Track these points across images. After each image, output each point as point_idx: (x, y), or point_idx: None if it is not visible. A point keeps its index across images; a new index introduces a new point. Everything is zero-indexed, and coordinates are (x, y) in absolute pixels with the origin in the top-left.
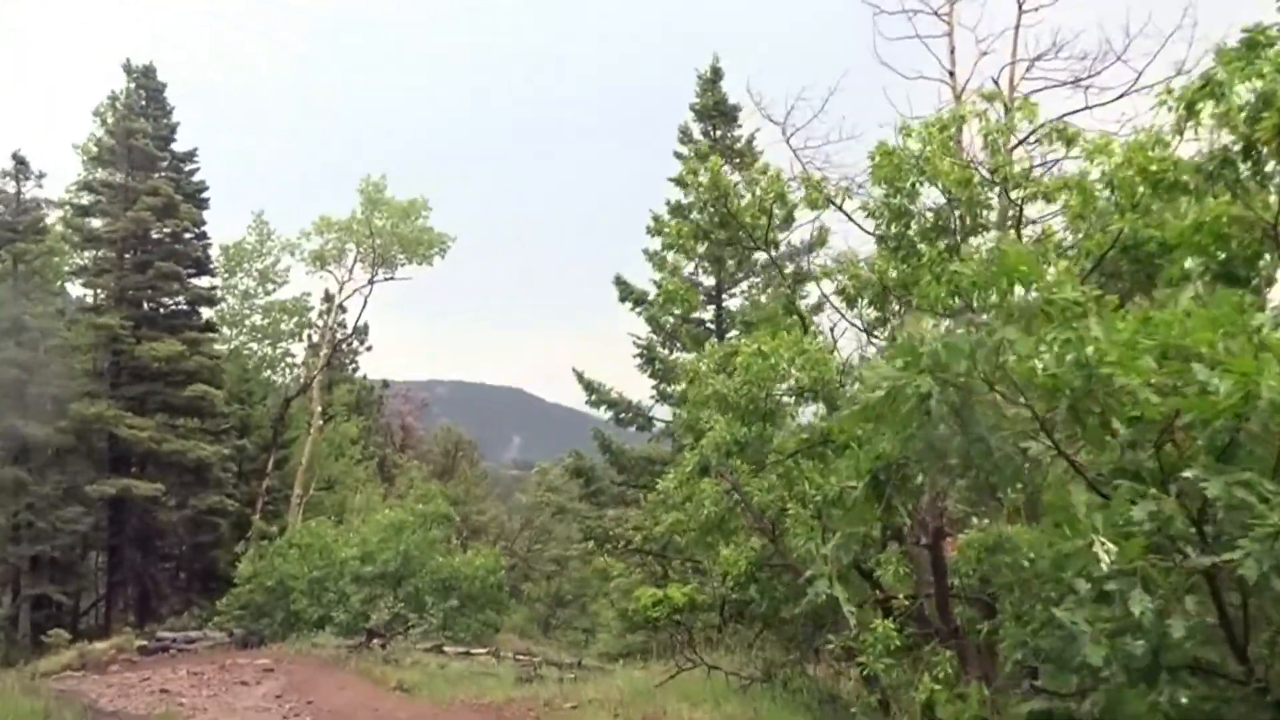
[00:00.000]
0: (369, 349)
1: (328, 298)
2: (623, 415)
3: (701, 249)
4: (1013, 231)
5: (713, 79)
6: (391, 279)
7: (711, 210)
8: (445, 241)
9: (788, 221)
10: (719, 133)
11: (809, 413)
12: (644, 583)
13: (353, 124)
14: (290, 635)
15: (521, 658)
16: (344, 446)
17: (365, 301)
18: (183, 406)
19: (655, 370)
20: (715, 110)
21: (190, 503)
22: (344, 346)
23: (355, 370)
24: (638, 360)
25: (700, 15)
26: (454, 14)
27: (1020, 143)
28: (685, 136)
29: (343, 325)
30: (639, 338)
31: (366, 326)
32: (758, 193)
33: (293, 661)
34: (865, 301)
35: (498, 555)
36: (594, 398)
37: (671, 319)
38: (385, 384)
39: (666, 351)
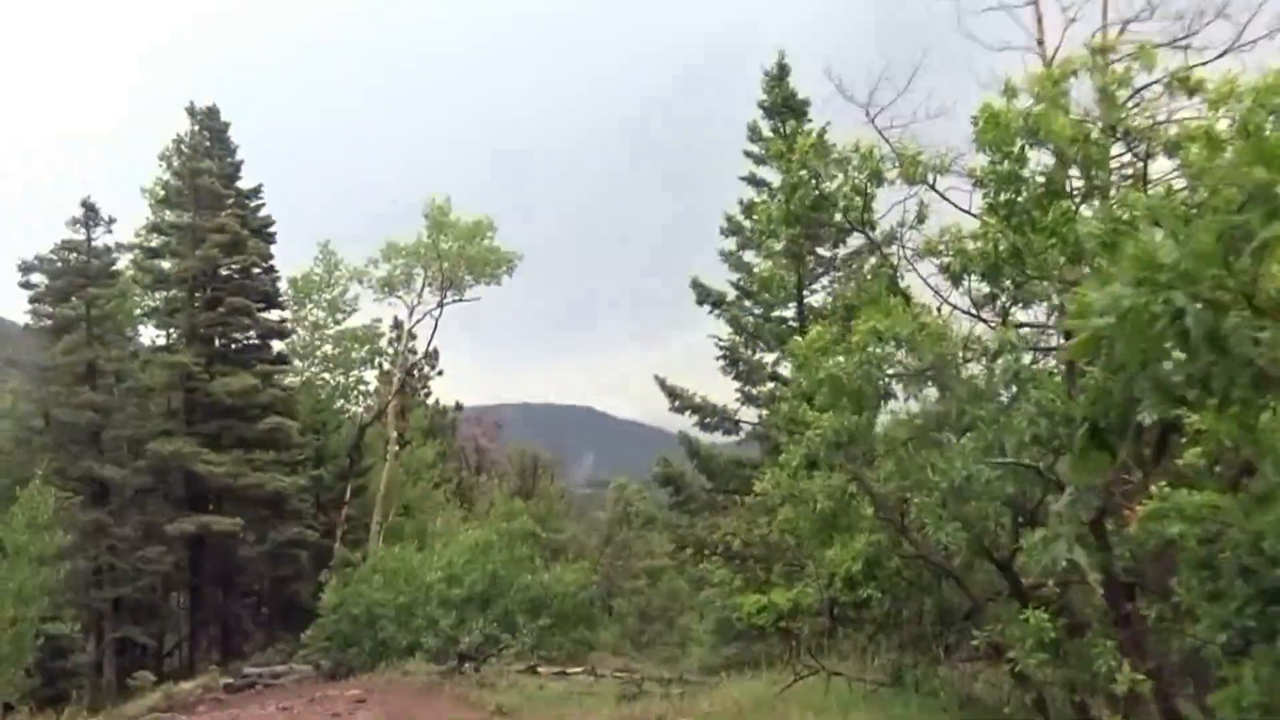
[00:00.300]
0: (440, 374)
1: (396, 324)
2: (707, 420)
3: (780, 245)
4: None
5: (779, 75)
6: (460, 300)
7: (800, 195)
8: (513, 260)
9: (867, 206)
10: (789, 128)
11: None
12: (743, 590)
13: (409, 148)
14: (379, 664)
15: (620, 674)
16: (421, 471)
17: (436, 324)
18: (258, 440)
19: (740, 372)
20: (784, 106)
21: (269, 536)
22: (415, 372)
23: (428, 396)
24: (721, 362)
25: (759, 9)
26: (506, 34)
27: (1137, 93)
28: (754, 134)
29: (413, 351)
30: (720, 339)
31: (436, 351)
32: (850, 171)
33: (384, 690)
34: (975, 277)
35: (588, 570)
36: (677, 404)
37: (753, 318)
38: (458, 406)
39: (750, 352)
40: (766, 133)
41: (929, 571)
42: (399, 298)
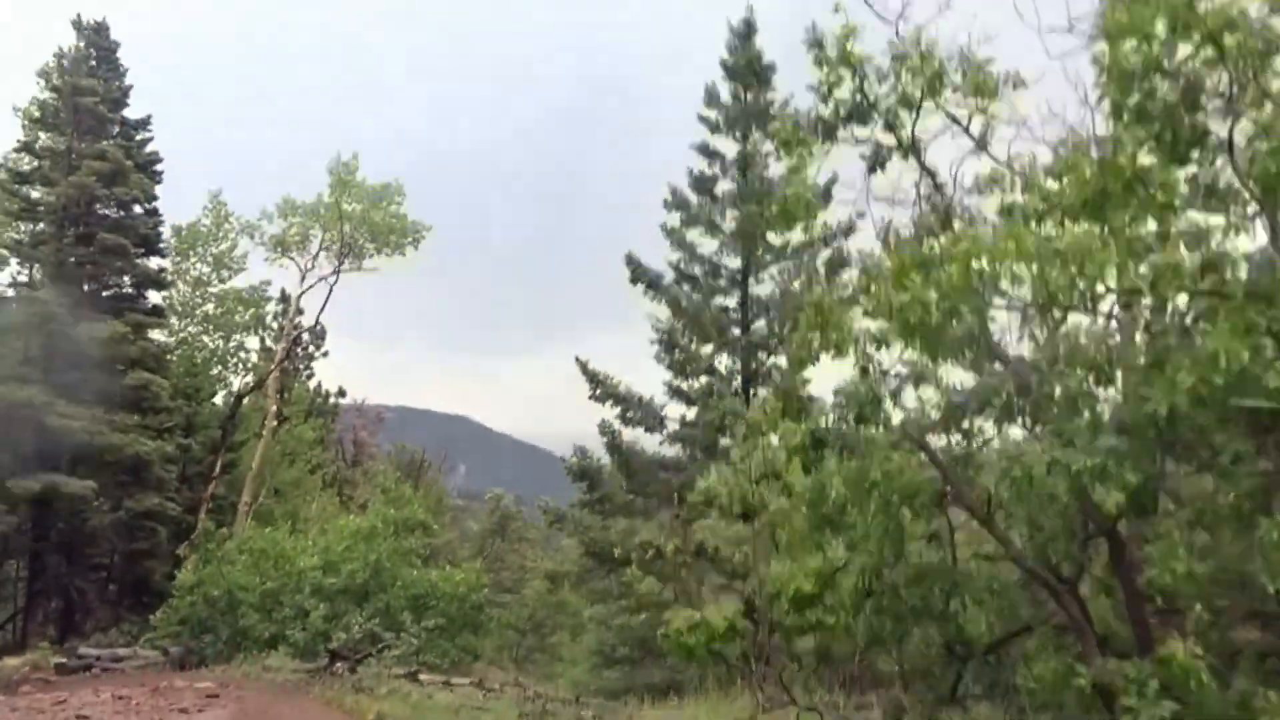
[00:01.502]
0: (325, 354)
1: (284, 298)
2: (630, 414)
3: (729, 225)
4: None
5: (745, 33)
6: (358, 270)
7: (836, 97)
8: (420, 231)
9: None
10: (750, 96)
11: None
12: (671, 604)
13: (317, 112)
14: (237, 656)
15: (515, 690)
16: (299, 452)
17: (330, 293)
18: (122, 397)
19: (674, 361)
20: (749, 69)
21: (125, 505)
22: (300, 347)
23: (309, 377)
24: (655, 348)
25: None
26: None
27: None
28: (712, 98)
29: (300, 322)
30: (659, 321)
31: (324, 330)
32: (903, 73)
33: (241, 686)
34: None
35: (479, 571)
36: (598, 392)
37: (692, 303)
38: (341, 392)
39: (687, 340)
40: (725, 98)
41: (945, 590)
42: (292, 259)
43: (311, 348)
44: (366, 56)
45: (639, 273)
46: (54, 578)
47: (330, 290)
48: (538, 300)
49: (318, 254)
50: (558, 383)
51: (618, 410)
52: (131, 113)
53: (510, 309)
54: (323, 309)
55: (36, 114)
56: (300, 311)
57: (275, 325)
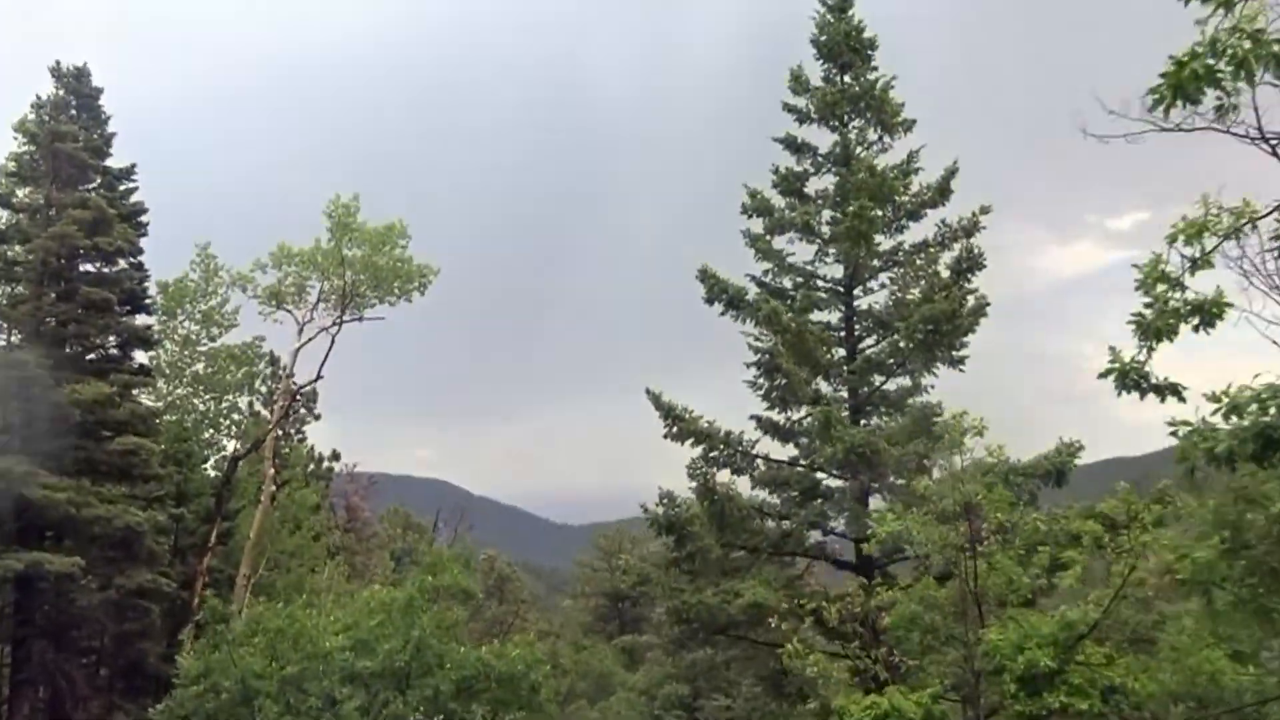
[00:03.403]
0: (318, 417)
1: (273, 360)
2: (716, 452)
3: (825, 227)
4: None
5: (841, 5)
6: (360, 319)
7: None
8: (427, 275)
9: None
10: (846, 78)
11: None
12: (849, 684)
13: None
14: None
15: None
16: (301, 517)
17: (332, 345)
18: (110, 465)
19: (774, 389)
20: (846, 44)
21: (116, 582)
22: (295, 408)
23: (301, 440)
24: (753, 372)
25: None
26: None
27: None
28: (799, 84)
29: (291, 377)
30: (757, 341)
31: (315, 393)
32: None
33: None
34: None
35: (533, 644)
36: (674, 429)
37: (788, 319)
38: (335, 455)
39: (795, 364)
40: (816, 80)
41: None
42: (288, 311)
43: (302, 409)
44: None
45: (717, 289)
46: (40, 664)
47: (332, 342)
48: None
49: (316, 304)
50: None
51: (700, 450)
52: (115, 162)
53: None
54: (324, 362)
55: (13, 168)
56: (291, 375)
57: (264, 387)
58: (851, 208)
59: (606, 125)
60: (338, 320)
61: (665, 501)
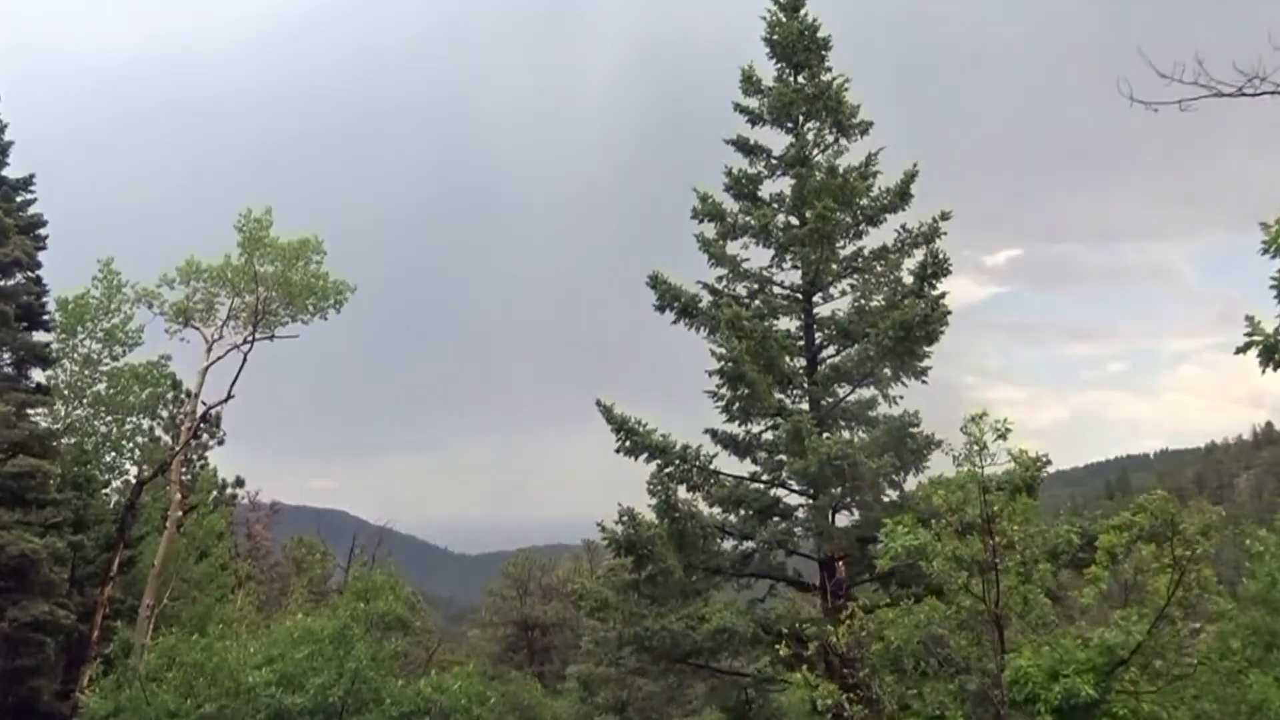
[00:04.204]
0: (221, 442)
1: (175, 385)
2: (673, 468)
3: (781, 232)
4: None
5: (793, 5)
6: (272, 338)
7: None
8: (343, 291)
9: None
10: (800, 78)
11: None
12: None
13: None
14: None
15: None
16: (209, 544)
17: (243, 363)
18: (3, 489)
19: (736, 398)
20: (800, 43)
21: (9, 614)
22: (202, 431)
23: (204, 465)
24: (715, 380)
25: None
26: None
27: None
28: (750, 85)
29: (198, 397)
30: (719, 353)
31: (219, 416)
32: None
33: None
34: None
35: (473, 675)
36: (627, 442)
37: (752, 324)
38: (240, 481)
39: (760, 372)
40: (769, 80)
41: None
42: (197, 329)
43: (206, 435)
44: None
45: (669, 296)
46: None
47: (244, 360)
48: (410, 394)
49: (226, 322)
50: (434, 475)
51: (656, 464)
52: (11, 171)
53: (378, 403)
54: (234, 381)
55: None
56: (198, 395)
57: (165, 411)
58: (814, 210)
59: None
60: (249, 338)
61: (625, 520)
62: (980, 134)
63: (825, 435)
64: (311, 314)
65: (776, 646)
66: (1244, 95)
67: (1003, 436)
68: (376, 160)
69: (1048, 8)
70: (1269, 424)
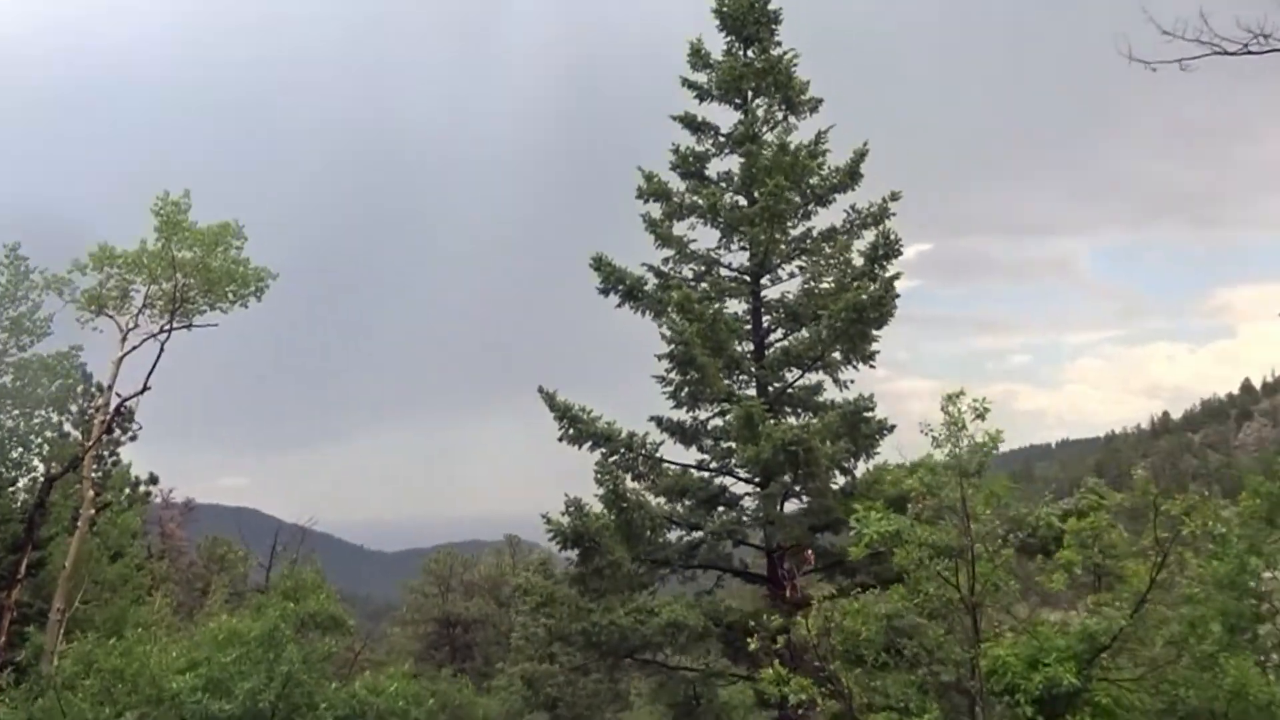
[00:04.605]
0: (134, 438)
1: (85, 378)
2: (618, 456)
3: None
4: None
5: None
6: (190, 327)
7: None
8: (264, 279)
9: None
10: (749, 51)
11: None
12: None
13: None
14: None
15: None
16: (124, 544)
17: (160, 352)
18: None
19: (685, 383)
20: (750, 16)
21: None
22: (115, 425)
23: (116, 462)
24: (665, 366)
25: None
26: None
27: None
28: (698, 58)
29: (112, 389)
30: (668, 338)
31: (132, 410)
32: None
33: None
34: None
35: (409, 676)
36: (570, 430)
37: (702, 305)
38: (153, 478)
39: (712, 356)
40: (718, 54)
41: None
42: (110, 317)
43: (118, 429)
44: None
45: (614, 279)
46: None
47: (161, 350)
48: (324, 392)
49: (141, 310)
50: (349, 473)
51: (601, 452)
52: None
53: (291, 401)
54: (151, 372)
55: None
56: (112, 387)
57: (75, 405)
58: (764, 188)
59: (422, 145)
60: (166, 327)
61: (572, 511)
62: (889, 129)
63: (777, 421)
64: (231, 302)
65: (747, 641)
66: (1249, 53)
67: (980, 416)
68: (289, 141)
69: (959, 4)
70: (1165, 414)
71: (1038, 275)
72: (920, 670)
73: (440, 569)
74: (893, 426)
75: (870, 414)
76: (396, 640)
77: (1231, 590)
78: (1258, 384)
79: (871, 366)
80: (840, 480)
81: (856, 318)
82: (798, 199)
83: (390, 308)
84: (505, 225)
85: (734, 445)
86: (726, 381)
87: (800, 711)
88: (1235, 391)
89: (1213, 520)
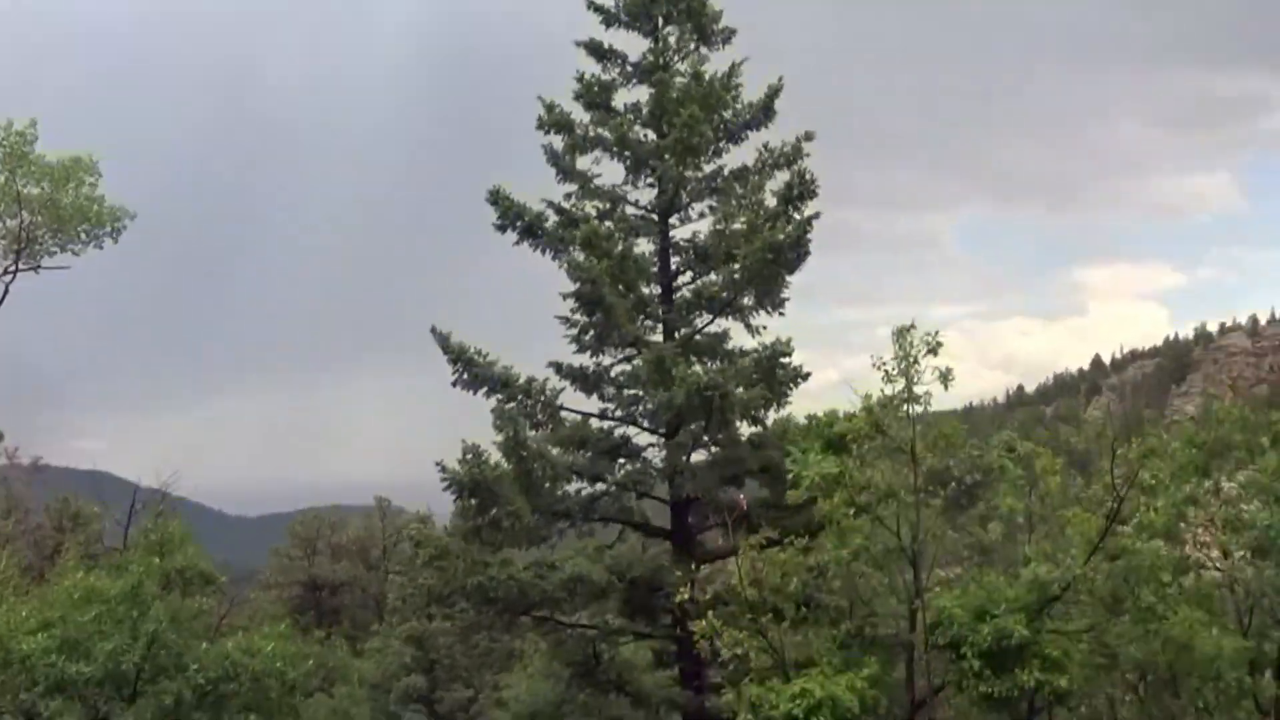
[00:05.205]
0: None
1: None
2: (515, 402)
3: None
4: None
5: None
6: (38, 269)
7: None
8: (120, 218)
9: None
10: None
11: None
12: (769, 671)
13: None
14: None
15: None
16: None
17: (4, 294)
18: None
19: (591, 324)
20: None
21: None
22: None
23: None
24: (570, 304)
25: None
26: None
27: None
28: None
29: None
30: (575, 276)
31: None
32: None
33: None
34: None
35: (286, 635)
36: (464, 375)
37: (611, 242)
38: None
39: (623, 295)
40: None
41: None
42: None
43: None
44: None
45: (511, 214)
46: None
47: (5, 292)
48: (178, 353)
49: None
50: (207, 436)
51: (497, 399)
52: None
53: (144, 362)
54: None
55: None
56: None
57: None
58: (678, 118)
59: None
60: (10, 269)
61: (470, 458)
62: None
63: (693, 366)
64: (84, 243)
65: (653, 596)
66: None
67: (933, 351)
68: (149, 78)
69: None
70: (1020, 387)
71: (904, 249)
72: (847, 624)
73: (306, 532)
74: (808, 374)
75: (787, 360)
76: (260, 604)
77: (1167, 541)
78: (1107, 360)
79: (781, 314)
80: (747, 430)
81: (773, 259)
82: (710, 133)
83: (257, 261)
84: (384, 168)
85: (639, 393)
86: (633, 325)
87: (710, 669)
88: (1086, 367)
89: (1148, 471)
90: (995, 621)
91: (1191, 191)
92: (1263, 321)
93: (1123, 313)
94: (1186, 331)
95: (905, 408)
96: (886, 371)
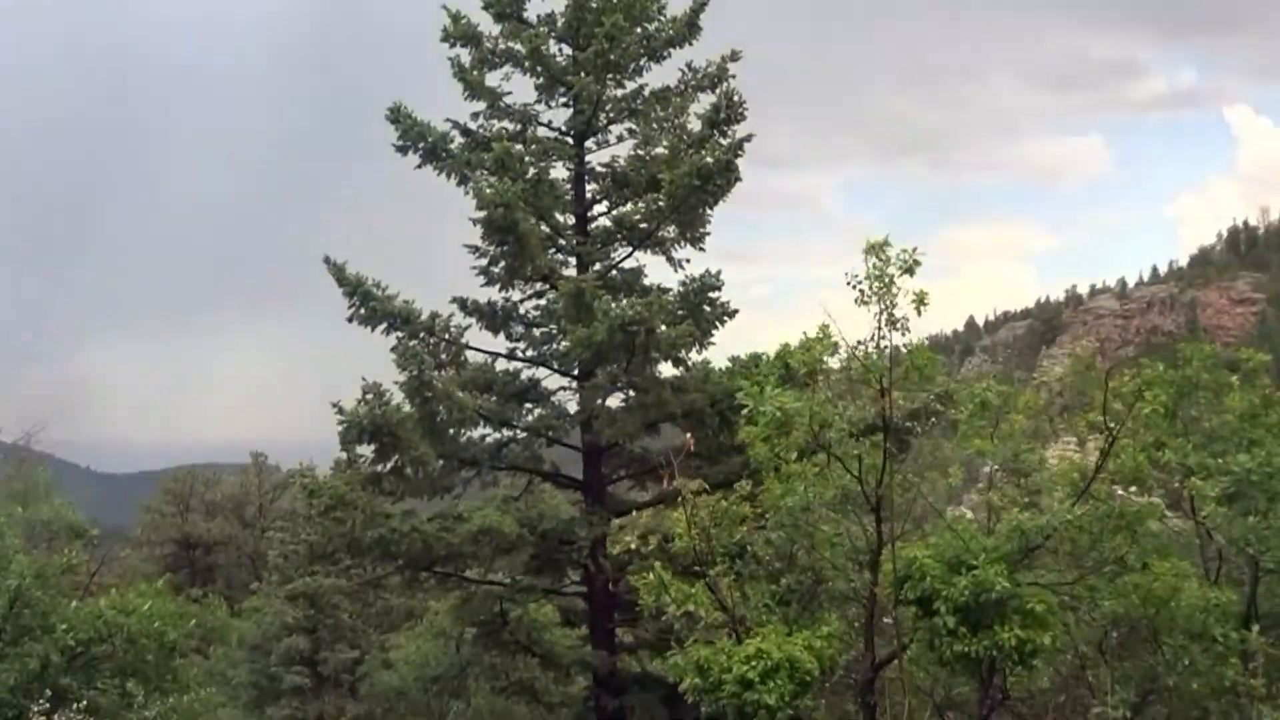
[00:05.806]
0: None
1: None
2: (416, 342)
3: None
4: None
5: None
6: None
7: None
8: None
9: None
10: None
11: None
12: (719, 629)
13: None
14: None
15: None
16: None
17: None
18: None
19: (502, 255)
20: None
21: None
22: None
23: None
24: (480, 238)
25: None
26: None
27: None
28: None
29: None
30: (484, 201)
31: None
32: None
33: None
34: None
35: (163, 593)
36: (361, 310)
37: (525, 164)
38: None
39: (534, 223)
40: None
41: None
42: None
43: None
44: None
45: (414, 134)
46: None
47: None
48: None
49: None
50: (75, 390)
51: (397, 336)
52: None
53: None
54: None
55: None
56: None
57: None
58: (601, 28)
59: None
60: None
61: (370, 399)
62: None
63: (613, 299)
64: None
65: (561, 549)
66: None
67: (909, 271)
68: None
69: None
70: (896, 348)
71: (782, 207)
72: (788, 578)
73: (179, 488)
74: (735, 311)
75: (716, 295)
76: (131, 562)
77: (1135, 485)
78: (980, 322)
79: (702, 249)
80: (668, 372)
81: (700, 185)
82: (633, 48)
83: (129, 207)
84: (266, 93)
85: (552, 330)
86: (546, 256)
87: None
88: (960, 329)
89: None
90: (974, 574)
91: (1064, 153)
92: (1130, 284)
93: (995, 274)
94: (1057, 293)
95: (882, 335)
96: (862, 291)
